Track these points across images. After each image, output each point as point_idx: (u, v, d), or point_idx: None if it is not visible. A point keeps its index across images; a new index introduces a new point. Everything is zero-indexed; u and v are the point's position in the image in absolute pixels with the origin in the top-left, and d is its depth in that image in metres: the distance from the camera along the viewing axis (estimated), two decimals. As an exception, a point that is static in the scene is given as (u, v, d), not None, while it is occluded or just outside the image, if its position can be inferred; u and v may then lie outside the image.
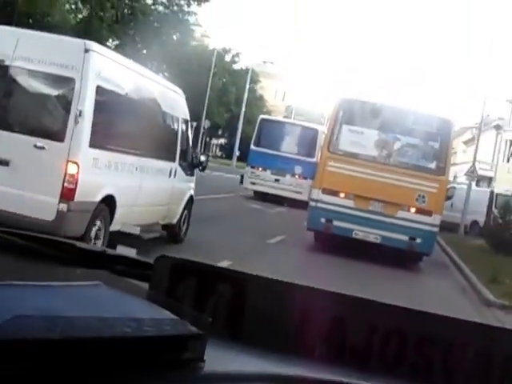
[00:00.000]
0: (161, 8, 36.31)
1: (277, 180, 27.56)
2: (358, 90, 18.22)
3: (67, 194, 8.70)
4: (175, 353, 1.06)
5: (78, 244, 1.69)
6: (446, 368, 1.30)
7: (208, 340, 1.10)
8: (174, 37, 48.07)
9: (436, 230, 16.05)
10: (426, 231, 15.61)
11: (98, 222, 9.48)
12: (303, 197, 25.67)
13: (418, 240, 15.57)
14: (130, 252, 1.75)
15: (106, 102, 9.41)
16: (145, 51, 47.99)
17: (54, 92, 9.22)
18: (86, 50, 8.92)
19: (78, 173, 8.72)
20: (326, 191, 15.91)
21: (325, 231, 16.10)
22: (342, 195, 15.83)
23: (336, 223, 15.79)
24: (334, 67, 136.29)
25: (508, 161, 51.47)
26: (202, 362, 1.08)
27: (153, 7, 35.63)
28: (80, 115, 8.70)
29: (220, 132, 72.60)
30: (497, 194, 30.23)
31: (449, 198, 27.55)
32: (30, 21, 25.41)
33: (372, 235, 15.67)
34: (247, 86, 53.45)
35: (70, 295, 1.11)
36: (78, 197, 8.81)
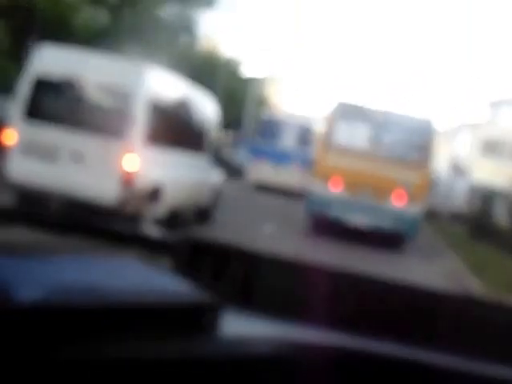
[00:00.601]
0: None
1: (277, 172, 28.77)
2: (353, 94, 20.05)
3: (128, 181, 10.45)
4: (194, 320, 1.12)
5: (108, 224, 1.78)
6: (428, 332, 1.39)
7: (223, 309, 1.17)
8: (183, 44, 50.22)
9: (420, 216, 17.54)
10: (411, 217, 17.10)
11: (151, 203, 11.18)
12: (301, 188, 25.84)
13: (404, 225, 17.09)
14: (156, 231, 1.84)
15: (157, 108, 11.19)
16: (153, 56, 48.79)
17: (117, 101, 10.90)
18: (142, 69, 10.88)
19: (135, 164, 10.51)
20: (322, 181, 17.41)
21: (321, 217, 17.60)
22: (337, 185, 17.32)
23: (331, 210, 17.26)
24: (333, 69, 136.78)
25: (482, 156, 53.97)
26: (216, 330, 1.15)
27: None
28: (136, 118, 10.56)
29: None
30: (475, 186, 31.80)
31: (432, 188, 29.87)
32: (50, 26, 26.16)
33: (364, 221, 17.12)
34: (253, 95, 54.62)
35: (103, 269, 1.20)
36: (136, 183, 10.55)
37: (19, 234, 1.47)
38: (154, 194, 11.32)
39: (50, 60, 11.02)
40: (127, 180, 10.48)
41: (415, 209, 17.18)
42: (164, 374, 1.04)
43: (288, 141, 29.68)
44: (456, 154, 55.75)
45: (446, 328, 1.40)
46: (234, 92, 55.88)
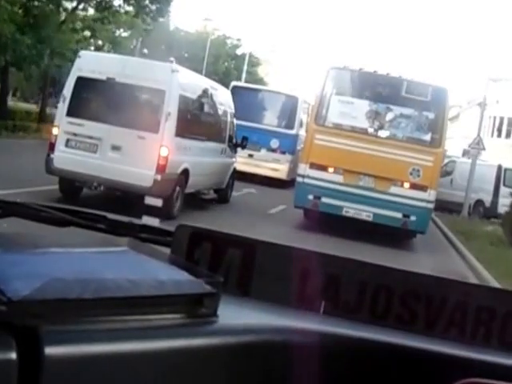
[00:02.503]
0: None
1: (250, 155, 21.66)
2: (349, 59, 16.53)
3: (160, 168, 11.80)
4: (192, 309, 1.13)
5: (107, 215, 1.78)
6: (428, 319, 1.41)
7: (221, 297, 1.16)
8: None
9: (431, 206, 14.52)
10: (421, 208, 14.07)
11: (178, 187, 12.58)
12: (281, 174, 22.82)
13: (413, 217, 14.04)
14: (154, 221, 1.95)
15: (185, 104, 12.67)
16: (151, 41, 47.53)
17: (150, 99, 12.51)
18: (172, 71, 12.23)
19: (168, 154, 11.88)
20: (313, 166, 14.39)
21: (313, 209, 14.46)
22: (330, 170, 14.33)
23: (325, 200, 14.23)
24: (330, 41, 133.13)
25: (492, 136, 49.80)
26: (215, 317, 1.15)
27: None
28: (169, 115, 11.92)
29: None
30: (505, 169, 24.93)
31: (448, 173, 24.48)
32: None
33: (364, 213, 14.13)
34: (245, 68, 52.46)
35: (100, 260, 1.19)
36: (167, 170, 11.91)
37: (11, 226, 1.58)
38: (182, 179, 12.77)
39: (92, 64, 12.45)
40: (161, 168, 11.81)
41: (425, 197, 14.10)
42: (163, 363, 1.06)
43: (265, 118, 23.82)
44: (465, 135, 51.48)
45: (448, 315, 1.42)
46: (231, 72, 54.31)
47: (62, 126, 12.22)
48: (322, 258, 1.48)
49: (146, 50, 44.80)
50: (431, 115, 14.59)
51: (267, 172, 22.71)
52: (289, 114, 23.68)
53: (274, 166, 22.94)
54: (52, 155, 12.14)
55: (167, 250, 1.52)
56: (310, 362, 1.22)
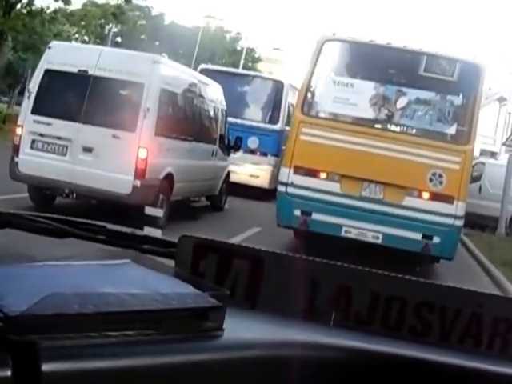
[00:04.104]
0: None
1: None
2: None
3: (139, 173, 10.74)
4: (197, 323, 1.10)
5: (109, 226, 1.74)
6: (442, 330, 1.37)
7: (226, 311, 1.13)
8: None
9: (460, 223, 10.88)
10: (447, 226, 10.54)
11: (161, 195, 11.33)
12: (261, 182, 18.21)
13: (436, 239, 10.57)
14: (156, 232, 2.39)
15: (167, 100, 11.62)
16: (143, 36, 45.21)
17: (127, 94, 11.43)
18: (154, 62, 11.24)
19: (147, 156, 10.79)
20: (300, 171, 10.91)
21: (301, 228, 10.94)
22: (323, 176, 10.86)
23: (316, 217, 10.72)
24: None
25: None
26: (221, 331, 1.12)
27: None
28: (148, 111, 10.83)
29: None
30: None
31: (475, 179, 19.20)
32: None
33: (370, 233, 10.68)
34: (241, 62, 49.28)
35: (101, 273, 1.16)
36: (147, 175, 10.84)
37: (9, 239, 1.52)
38: (166, 184, 11.61)
39: (63, 56, 11.31)
40: (140, 172, 10.68)
41: (452, 212, 10.57)
42: (167, 379, 1.05)
43: (240, 109, 18.61)
44: (481, 133, 47.14)
45: (463, 326, 1.38)
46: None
47: (26, 125, 11.17)
48: (332, 269, 1.44)
49: (119, 39, 41.67)
50: (458, 101, 11.01)
51: (244, 179, 17.94)
52: (272, 105, 18.84)
53: (253, 172, 18.36)
54: (16, 159, 11.12)
55: (171, 262, 1.46)
56: (320, 377, 1.21)
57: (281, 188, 11.08)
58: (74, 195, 11.04)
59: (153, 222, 9.87)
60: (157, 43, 46.11)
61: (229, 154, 15.56)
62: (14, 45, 26.58)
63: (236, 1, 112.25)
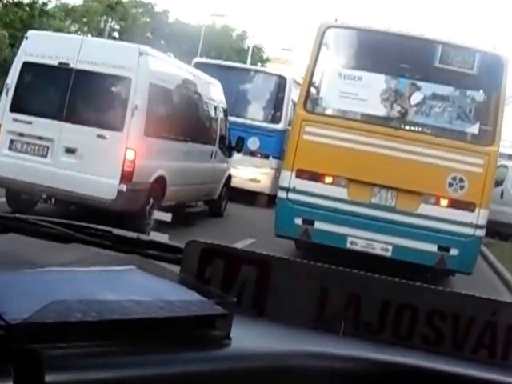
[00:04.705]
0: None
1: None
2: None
3: (126, 177, 9.79)
4: (203, 331, 1.09)
5: (114, 231, 1.73)
6: (455, 339, 1.34)
7: (234, 318, 1.11)
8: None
9: (481, 233, 9.76)
10: (466, 236, 9.46)
11: (152, 200, 10.49)
12: (262, 187, 16.72)
13: (453, 251, 9.48)
14: (163, 237, 1.82)
15: (158, 96, 10.53)
16: (149, 34, 44.44)
17: (113, 89, 10.47)
18: (141, 53, 10.11)
19: (135, 158, 9.85)
20: (302, 174, 9.82)
21: (302, 239, 9.90)
22: (328, 180, 9.78)
23: (319, 226, 9.65)
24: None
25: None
26: (228, 340, 1.10)
27: None
28: (136, 108, 9.87)
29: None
30: None
31: (497, 183, 17.03)
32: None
33: (379, 244, 9.60)
34: (248, 61, 48.31)
35: (105, 279, 1.14)
36: (135, 178, 9.88)
37: (11, 243, 1.48)
38: (157, 189, 10.77)
39: (42, 46, 10.34)
40: (126, 175, 9.83)
41: (472, 220, 9.48)
42: None
43: (239, 107, 16.83)
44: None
45: (476, 335, 1.34)
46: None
47: (4, 124, 10.29)
48: (341, 275, 1.42)
49: (116, 34, 40.78)
50: (480, 96, 9.86)
51: (243, 184, 16.46)
52: (274, 102, 17.27)
53: (253, 176, 16.91)
54: None
55: (176, 269, 1.44)
56: None
57: (281, 193, 9.96)
58: (53, 201, 10.11)
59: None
60: (162, 42, 45.13)
61: (230, 156, 14.59)
62: (11, 42, 25.56)
63: (243, 0, 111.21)
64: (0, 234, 1.56)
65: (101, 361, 0.96)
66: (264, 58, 57.72)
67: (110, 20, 40.24)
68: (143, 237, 1.75)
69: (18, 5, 23.27)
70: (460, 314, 1.34)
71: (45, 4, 26.52)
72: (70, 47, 10.27)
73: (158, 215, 8.68)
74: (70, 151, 10.00)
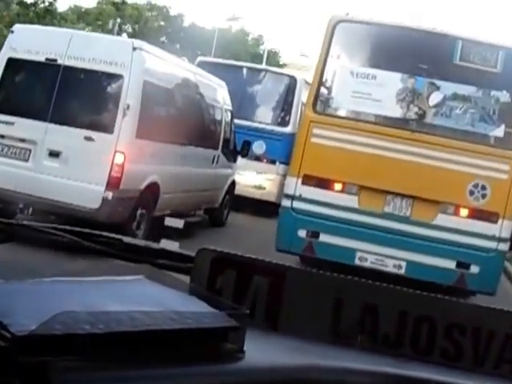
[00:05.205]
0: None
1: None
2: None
3: (113, 183, 9.06)
4: (215, 345, 1.07)
5: (124, 238, 1.71)
6: (475, 354, 1.31)
7: (247, 331, 1.10)
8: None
9: (505, 247, 9.00)
10: (489, 251, 8.63)
11: (141, 209, 9.75)
12: (268, 195, 15.59)
13: (474, 268, 8.65)
14: (173, 245, 1.80)
15: (153, 95, 9.82)
16: (164, 38, 44.07)
17: (103, 87, 9.66)
18: (134, 49, 9.39)
19: (124, 162, 9.13)
20: (309, 181, 9.05)
21: (306, 254, 9.08)
22: (337, 187, 9.03)
23: (325, 238, 8.84)
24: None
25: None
26: (241, 353, 1.09)
27: None
28: (128, 108, 9.17)
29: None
30: None
31: None
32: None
33: (391, 261, 8.79)
34: (263, 64, 48.07)
35: (113, 290, 1.13)
36: (123, 185, 9.14)
37: (17, 251, 1.47)
38: (148, 197, 9.97)
39: (28, 41, 9.60)
40: (113, 181, 9.07)
41: (495, 233, 8.67)
42: None
43: (245, 109, 15.73)
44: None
45: (497, 349, 1.31)
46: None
47: None
48: (357, 286, 1.37)
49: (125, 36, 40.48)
50: (504, 96, 9.02)
51: (246, 191, 15.38)
52: (282, 104, 16.19)
53: (258, 183, 15.81)
54: None
55: (187, 278, 1.40)
56: None
57: (285, 202, 9.17)
58: (30, 210, 9.20)
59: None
60: (177, 46, 44.69)
61: (235, 161, 13.81)
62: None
63: (260, 4, 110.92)
64: (3, 242, 1.52)
65: (110, 374, 0.94)
66: (280, 63, 57.11)
67: (121, 22, 39.72)
68: (153, 245, 1.72)
69: (22, 4, 22.78)
70: (480, 327, 1.32)
71: (51, 4, 26.00)
72: (59, 42, 9.57)
73: (170, 222, 8.19)
74: (53, 155, 9.27)
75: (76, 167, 9.14)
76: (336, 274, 1.41)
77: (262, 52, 52.93)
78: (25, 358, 0.88)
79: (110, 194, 9.05)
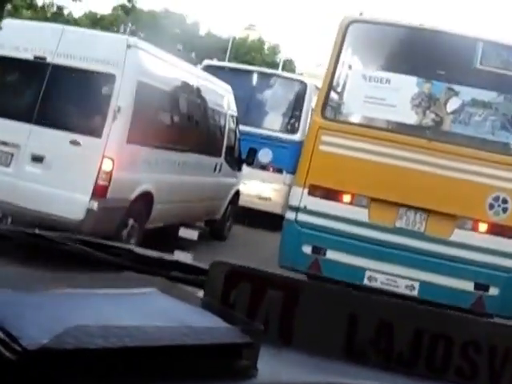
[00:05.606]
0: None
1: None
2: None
3: (99, 192, 8.48)
4: (228, 361, 1.06)
5: (135, 249, 1.70)
6: (492, 373, 1.30)
7: (261, 347, 1.09)
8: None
9: None
10: (509, 271, 7.93)
11: (131, 221, 9.10)
12: (273, 206, 14.75)
13: (493, 290, 8.00)
14: (187, 257, 1.94)
15: (147, 97, 9.16)
16: (180, 46, 43.97)
17: (94, 88, 9.05)
18: (128, 46, 8.86)
19: (112, 169, 8.54)
20: (316, 191, 8.39)
21: (311, 271, 8.35)
22: (346, 199, 8.37)
23: (332, 256, 8.21)
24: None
25: None
26: (255, 370, 1.08)
27: None
28: (119, 111, 8.64)
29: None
30: None
31: None
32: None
33: (403, 281, 8.10)
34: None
35: (126, 303, 1.11)
36: (110, 194, 8.55)
37: (28, 261, 1.44)
38: (140, 207, 9.29)
39: (15, 38, 9.06)
40: (99, 190, 8.41)
41: None
42: None
43: (256, 118, 15.14)
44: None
45: None
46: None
47: None
48: (372, 302, 1.36)
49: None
50: None
51: (251, 202, 14.68)
52: (291, 110, 15.43)
53: (263, 193, 14.98)
54: None
55: (200, 292, 1.40)
56: None
57: (289, 214, 8.54)
58: (10, 220, 8.60)
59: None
60: (192, 55, 44.55)
61: (239, 170, 13.14)
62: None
63: (277, 14, 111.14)
64: (15, 250, 1.53)
65: None
66: (296, 72, 57.03)
67: (135, 29, 39.53)
68: (166, 256, 1.68)
69: (31, 6, 22.39)
70: (496, 345, 1.28)
71: (60, 8, 25.66)
72: (49, 38, 9.01)
73: (184, 233, 7.70)
74: (36, 159, 8.67)
75: (60, 174, 8.56)
76: (351, 289, 1.41)
77: (278, 61, 52.82)
78: (36, 373, 0.86)
79: (95, 204, 8.47)
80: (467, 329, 1.32)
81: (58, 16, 24.77)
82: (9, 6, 21.66)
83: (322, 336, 1.31)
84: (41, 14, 22.93)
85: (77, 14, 35.01)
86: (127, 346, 0.93)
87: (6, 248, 1.57)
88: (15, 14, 21.94)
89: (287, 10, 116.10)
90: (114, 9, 41.37)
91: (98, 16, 38.55)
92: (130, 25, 38.52)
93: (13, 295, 1.02)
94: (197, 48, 45.59)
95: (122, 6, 24.96)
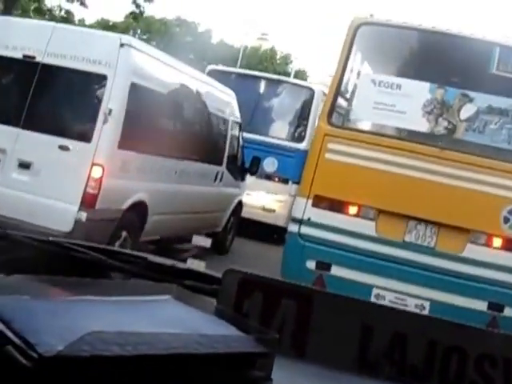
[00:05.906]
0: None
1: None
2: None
3: (88, 201, 8.00)
4: (243, 371, 1.04)
5: (149, 257, 1.70)
6: None
7: (274, 357, 1.07)
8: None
9: None
10: None
11: (124, 233, 8.61)
12: (277, 219, 14.18)
13: (508, 310, 7.50)
14: (200, 265, 1.81)
15: (141, 100, 8.71)
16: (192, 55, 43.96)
17: (84, 89, 8.69)
18: (121, 45, 8.41)
19: (102, 177, 8.03)
20: (321, 203, 7.99)
21: (315, 285, 7.85)
22: (352, 211, 7.97)
23: (337, 272, 7.79)
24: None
25: None
26: (269, 381, 1.06)
27: None
28: (110, 114, 8.12)
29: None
30: None
31: None
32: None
33: (413, 300, 7.66)
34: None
35: (140, 310, 1.11)
36: (100, 204, 8.06)
37: (43, 269, 1.47)
38: (133, 218, 8.78)
39: (4, 36, 8.63)
40: (88, 199, 7.94)
41: None
42: None
43: (262, 125, 14.56)
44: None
45: None
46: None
47: None
48: (387, 313, 1.36)
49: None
50: None
51: (255, 214, 14.10)
52: (298, 117, 14.88)
53: (267, 204, 14.32)
54: None
55: (213, 300, 1.39)
56: None
57: (292, 227, 8.11)
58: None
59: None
60: (204, 63, 44.54)
61: (243, 179, 12.62)
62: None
63: (290, 24, 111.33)
64: (31, 257, 1.52)
65: None
66: (308, 81, 56.96)
67: (147, 37, 39.37)
68: (179, 264, 1.69)
69: (38, 10, 22.20)
70: (511, 358, 1.27)
71: (67, 12, 25.46)
72: (39, 37, 8.57)
73: (197, 240, 7.72)
74: (23, 166, 8.22)
75: (48, 182, 8.08)
76: (365, 300, 1.39)
77: (290, 71, 52.45)
78: (51, 379, 0.86)
79: (83, 215, 7.99)
80: (482, 341, 1.30)
81: (66, 21, 24.58)
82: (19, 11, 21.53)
83: (335, 347, 1.30)
84: (48, 19, 22.74)
85: (89, 21, 34.81)
86: (143, 354, 0.91)
87: (19, 255, 1.57)
88: (22, 16, 21.81)
89: (301, 20, 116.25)
90: (126, 17, 41.39)
91: (111, 23, 38.47)
92: (139, 32, 38.39)
93: (28, 302, 1.02)
94: (208, 56, 45.40)
95: (132, 13, 24.69)
